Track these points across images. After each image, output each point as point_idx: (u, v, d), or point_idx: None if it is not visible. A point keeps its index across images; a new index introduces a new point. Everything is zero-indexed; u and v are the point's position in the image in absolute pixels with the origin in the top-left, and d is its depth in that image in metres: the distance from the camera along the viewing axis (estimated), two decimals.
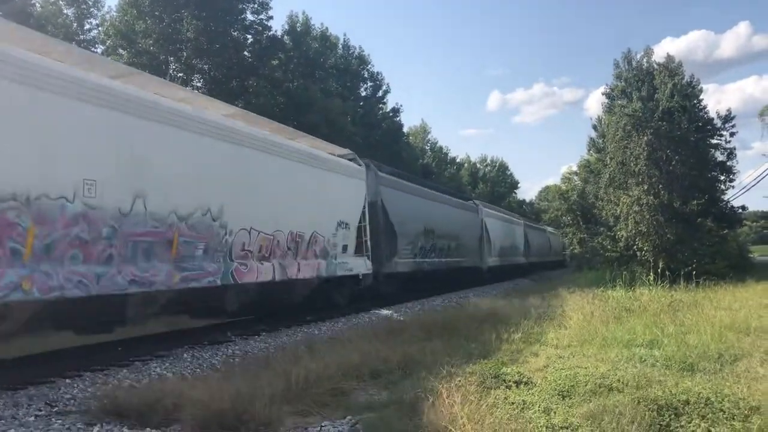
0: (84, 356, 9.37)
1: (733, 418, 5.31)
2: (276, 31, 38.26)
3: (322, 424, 5.79)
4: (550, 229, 62.12)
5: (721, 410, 5.45)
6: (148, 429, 5.80)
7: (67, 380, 8.03)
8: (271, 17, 36.14)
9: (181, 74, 33.47)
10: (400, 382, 7.28)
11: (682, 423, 5.31)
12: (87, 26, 33.95)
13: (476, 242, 31.90)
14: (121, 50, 31.95)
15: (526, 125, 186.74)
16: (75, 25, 33.11)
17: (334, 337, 11.49)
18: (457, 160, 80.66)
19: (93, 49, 31.49)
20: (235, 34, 34.72)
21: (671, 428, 5.26)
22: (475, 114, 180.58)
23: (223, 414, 5.70)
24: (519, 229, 43.84)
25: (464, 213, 30.72)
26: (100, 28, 33.80)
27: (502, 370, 7.27)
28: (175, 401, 6.15)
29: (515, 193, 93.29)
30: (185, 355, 9.96)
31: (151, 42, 31.76)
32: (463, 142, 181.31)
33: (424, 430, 5.15)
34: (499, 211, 41.26)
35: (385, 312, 16.95)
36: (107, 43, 32.63)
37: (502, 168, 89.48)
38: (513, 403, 5.94)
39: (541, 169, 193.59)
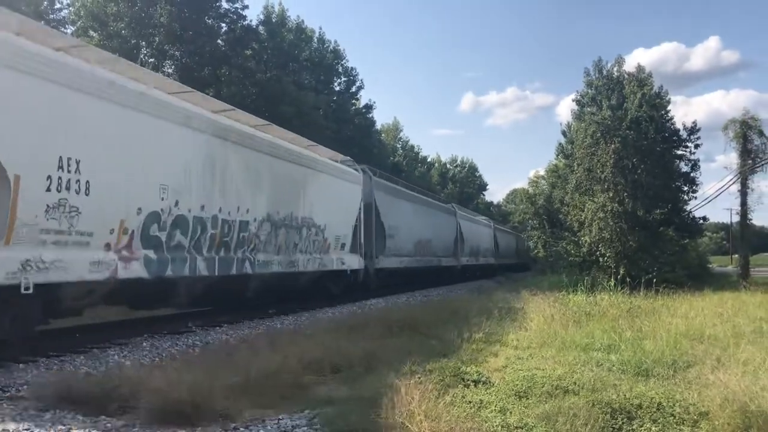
0: (40, 341, 9.20)
1: (683, 423, 5.45)
2: (251, 20, 37.98)
3: (280, 417, 5.77)
4: (465, 212, 43.56)
5: (672, 415, 5.59)
6: (103, 417, 5.73)
7: (21, 365, 7.90)
8: (246, 6, 35.85)
9: (152, 59, 32.92)
10: (361, 378, 7.29)
11: (634, 426, 5.44)
12: (58, 5, 33.20)
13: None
14: (92, 32, 31.29)
15: (498, 128, 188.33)
16: (45, 3, 32.35)
17: (297, 331, 11.46)
18: (428, 160, 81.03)
19: (63, 29, 30.82)
20: (210, 21, 34.29)
21: (623, 431, 5.38)
22: (448, 114, 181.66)
23: (180, 403, 5.65)
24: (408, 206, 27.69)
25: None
26: (71, 8, 33.07)
27: (461, 368, 7.34)
28: (132, 389, 6.08)
29: (483, 194, 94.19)
30: (144, 344, 9.86)
31: (122, 25, 31.16)
32: (435, 141, 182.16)
33: (382, 425, 5.18)
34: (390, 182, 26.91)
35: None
36: (78, 24, 31.92)
37: (472, 169, 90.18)
38: (470, 402, 6.00)
39: (510, 172, 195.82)
